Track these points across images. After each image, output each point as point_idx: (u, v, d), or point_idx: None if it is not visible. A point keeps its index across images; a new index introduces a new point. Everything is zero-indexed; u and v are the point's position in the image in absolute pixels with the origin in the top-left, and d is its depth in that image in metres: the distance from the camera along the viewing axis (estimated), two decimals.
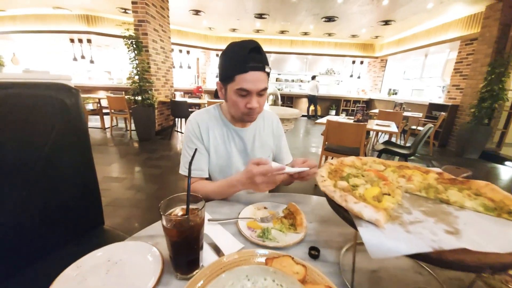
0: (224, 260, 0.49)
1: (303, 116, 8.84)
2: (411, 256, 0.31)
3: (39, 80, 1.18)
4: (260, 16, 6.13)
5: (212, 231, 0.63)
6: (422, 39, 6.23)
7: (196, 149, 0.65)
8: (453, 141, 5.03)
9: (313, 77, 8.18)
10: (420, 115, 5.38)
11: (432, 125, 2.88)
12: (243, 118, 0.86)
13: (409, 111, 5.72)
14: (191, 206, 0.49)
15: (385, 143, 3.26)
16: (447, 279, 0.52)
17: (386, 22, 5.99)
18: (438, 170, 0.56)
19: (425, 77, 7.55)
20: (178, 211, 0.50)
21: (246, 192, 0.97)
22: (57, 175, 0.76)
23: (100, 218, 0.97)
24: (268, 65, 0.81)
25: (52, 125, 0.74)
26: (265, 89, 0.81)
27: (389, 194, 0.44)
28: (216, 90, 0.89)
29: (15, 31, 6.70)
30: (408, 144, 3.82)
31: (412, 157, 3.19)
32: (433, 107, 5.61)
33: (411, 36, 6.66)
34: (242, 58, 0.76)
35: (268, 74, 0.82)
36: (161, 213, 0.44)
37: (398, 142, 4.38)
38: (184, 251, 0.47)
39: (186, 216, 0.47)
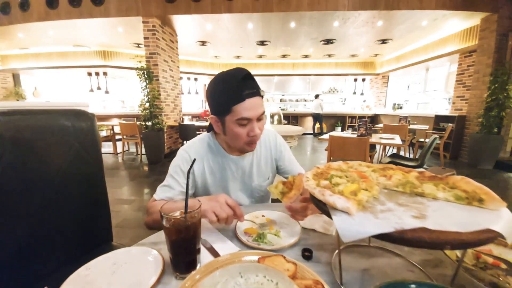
0: (219, 259, 0.52)
1: (309, 134, 8.89)
2: (377, 237, 0.34)
3: (59, 107, 1.31)
4: (262, 43, 6.51)
5: (210, 236, 0.66)
6: (421, 54, 6.36)
7: (195, 159, 0.71)
8: (465, 152, 4.91)
9: (316, 96, 8.37)
10: (426, 127, 5.34)
11: (437, 136, 2.87)
12: (245, 148, 0.83)
13: (415, 124, 5.69)
14: (189, 210, 0.54)
15: (392, 156, 3.23)
16: (438, 275, 0.53)
17: (383, 41, 6.21)
18: (420, 169, 0.59)
19: (429, 90, 7.58)
20: (178, 213, 0.55)
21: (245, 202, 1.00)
22: (71, 193, 0.81)
23: (110, 235, 1.02)
24: (259, 88, 0.78)
25: (69, 147, 0.81)
26: (263, 112, 0.79)
27: (367, 190, 0.47)
28: (210, 124, 0.90)
29: (39, 67, 7.35)
30: (417, 157, 3.76)
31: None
32: (439, 118, 5.57)
33: (410, 52, 6.82)
34: (236, 87, 0.73)
35: (262, 97, 0.79)
36: (162, 214, 0.49)
37: (407, 155, 4.31)
38: (183, 250, 0.51)
39: (184, 215, 0.51)
